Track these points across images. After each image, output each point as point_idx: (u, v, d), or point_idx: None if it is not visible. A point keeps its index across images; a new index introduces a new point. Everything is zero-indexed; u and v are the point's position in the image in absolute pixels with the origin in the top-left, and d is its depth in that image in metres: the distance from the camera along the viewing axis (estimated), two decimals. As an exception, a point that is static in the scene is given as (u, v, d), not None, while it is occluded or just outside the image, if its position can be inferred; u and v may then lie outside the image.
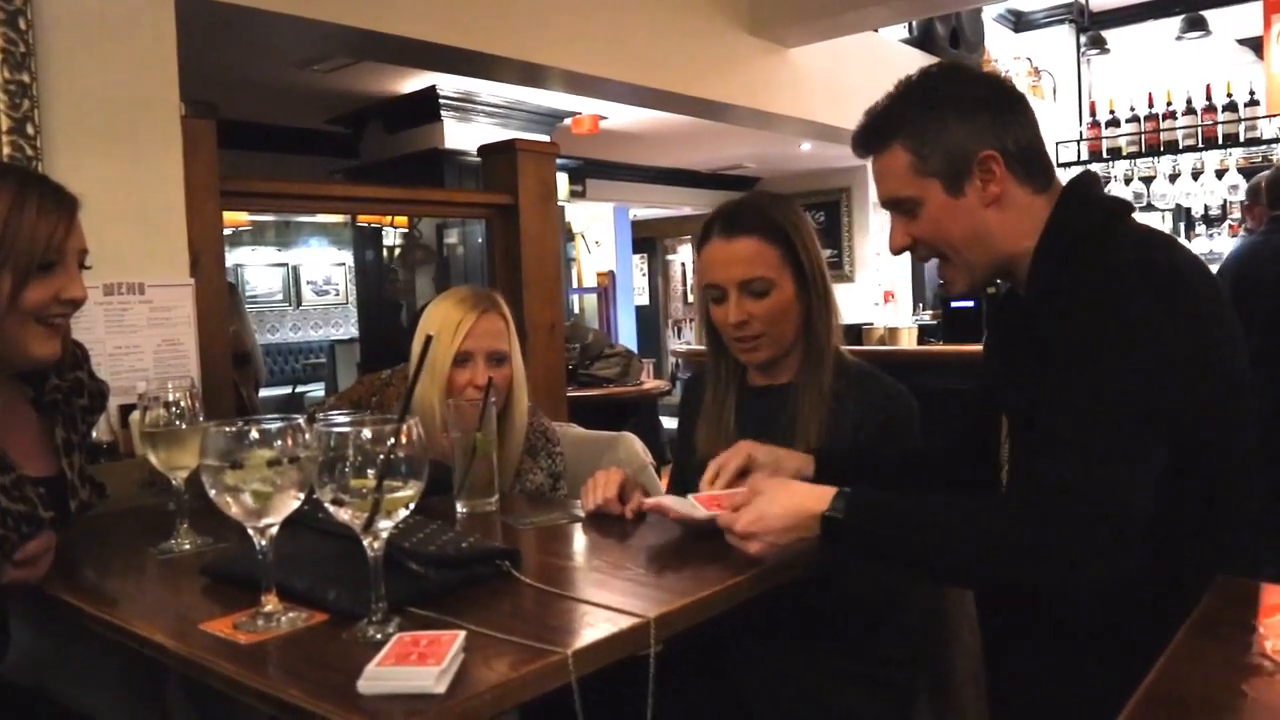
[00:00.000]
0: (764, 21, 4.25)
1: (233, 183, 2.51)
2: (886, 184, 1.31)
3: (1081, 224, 1.23)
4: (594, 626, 1.03)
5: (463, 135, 5.50)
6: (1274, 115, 5.48)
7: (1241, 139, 5.43)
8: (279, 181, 3.19)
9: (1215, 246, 5.75)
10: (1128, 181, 5.80)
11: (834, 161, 7.59)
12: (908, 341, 4.66)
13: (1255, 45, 6.52)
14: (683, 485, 1.72)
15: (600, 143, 6.69)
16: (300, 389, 9.47)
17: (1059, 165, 5.28)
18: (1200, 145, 5.53)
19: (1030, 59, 7.13)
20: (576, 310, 9.78)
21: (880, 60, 5.04)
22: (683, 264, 11.84)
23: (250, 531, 1.05)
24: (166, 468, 1.39)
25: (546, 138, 5.48)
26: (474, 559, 1.18)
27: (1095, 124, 5.98)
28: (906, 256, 1.36)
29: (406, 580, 1.09)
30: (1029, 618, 1.26)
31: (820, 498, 1.18)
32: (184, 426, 1.39)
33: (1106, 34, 7.14)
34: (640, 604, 1.08)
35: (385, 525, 0.99)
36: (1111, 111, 5.92)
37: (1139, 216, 1.34)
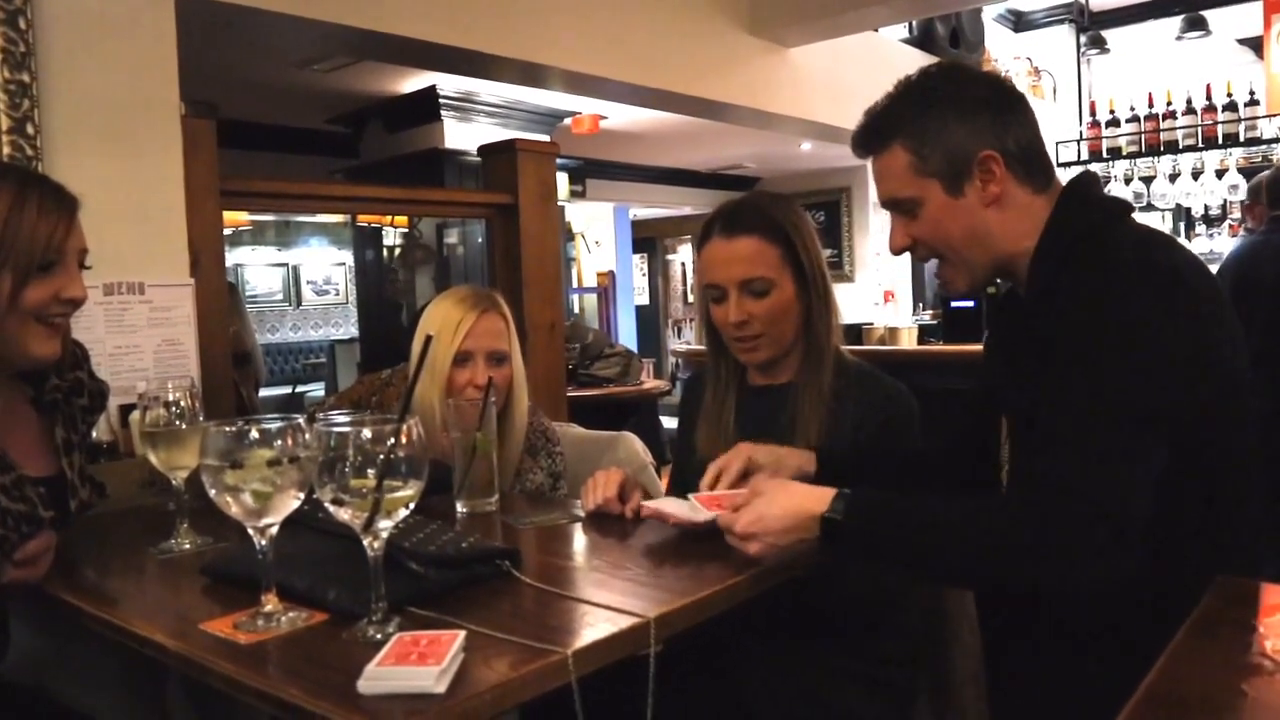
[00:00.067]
0: (764, 21, 4.25)
1: (233, 182, 2.51)
2: (886, 184, 1.31)
3: (1081, 224, 1.23)
4: (594, 626, 1.03)
5: (463, 135, 5.50)
6: (1274, 115, 5.48)
7: (1241, 139, 5.42)
8: (279, 181, 3.19)
9: (1215, 246, 5.75)
10: (1128, 181, 5.80)
11: (834, 161, 7.59)
12: (908, 341, 4.66)
13: (1255, 45, 6.51)
14: (682, 485, 1.72)
15: (600, 142, 6.69)
16: (300, 389, 9.47)
17: (1059, 165, 5.28)
18: (1200, 145, 5.53)
19: (1030, 59, 7.13)
20: (576, 310, 9.78)
21: (880, 60, 5.04)
22: (683, 264, 11.84)
23: (250, 531, 1.05)
24: (166, 467, 1.39)
25: (546, 137, 5.48)
26: (474, 559, 1.18)
27: (1095, 124, 5.98)
28: (906, 256, 1.36)
29: (406, 580, 1.09)
30: (1029, 618, 1.26)
31: (820, 499, 1.18)
32: (184, 426, 1.39)
33: (1106, 34, 7.14)
34: (640, 604, 1.08)
35: (385, 525, 0.99)
36: (1111, 111, 5.92)
37: (1139, 216, 1.34)
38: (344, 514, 0.98)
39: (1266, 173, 3.56)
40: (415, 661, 0.87)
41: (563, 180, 6.21)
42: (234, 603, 1.11)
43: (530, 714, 1.01)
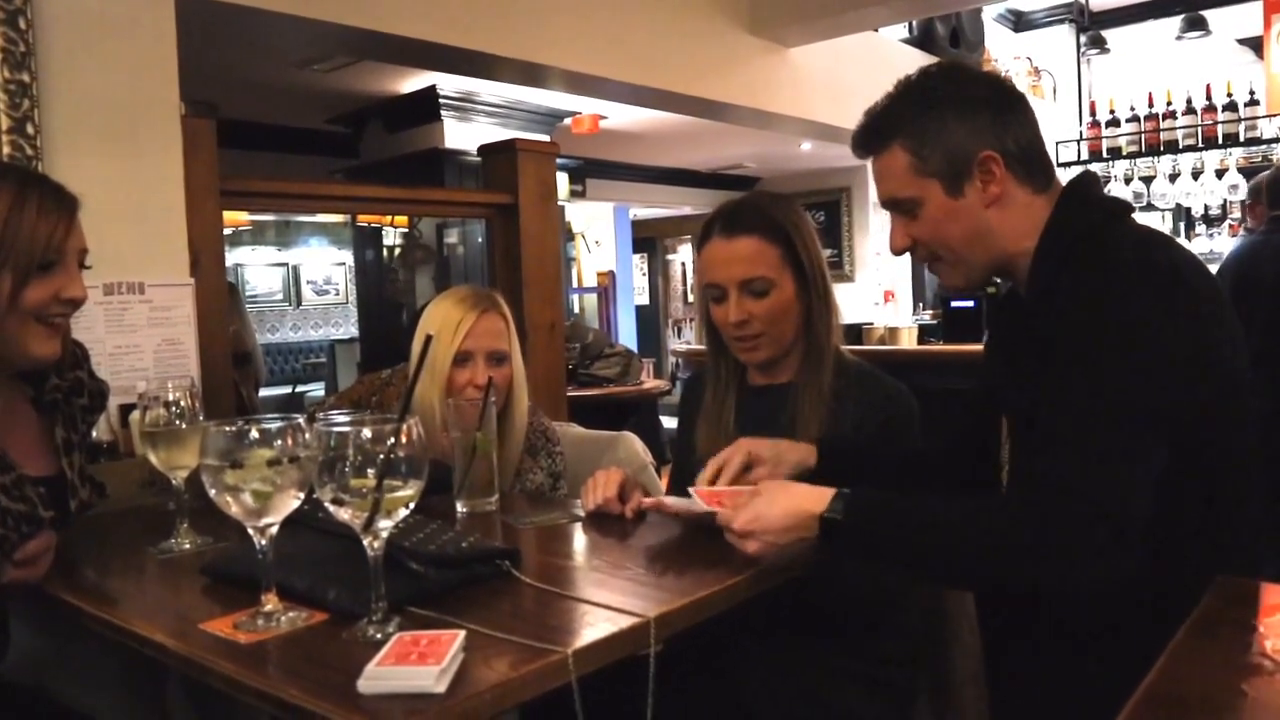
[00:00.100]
0: (764, 21, 4.25)
1: (233, 182, 2.51)
2: (886, 184, 1.31)
3: (1081, 224, 1.23)
4: (594, 626, 1.03)
5: (463, 135, 5.50)
6: (1274, 115, 5.48)
7: (1241, 139, 5.42)
8: (279, 181, 3.19)
9: (1215, 246, 5.75)
10: (1128, 181, 5.80)
11: (834, 161, 7.59)
12: (908, 341, 4.66)
13: (1255, 45, 6.52)
14: (682, 485, 1.72)
15: (600, 142, 6.69)
16: (300, 389, 9.48)
17: (1059, 165, 5.28)
18: (1200, 145, 5.53)
19: (1030, 59, 7.13)
20: (576, 310, 9.79)
21: (880, 60, 5.04)
22: (683, 264, 11.85)
23: (250, 531, 1.05)
24: (166, 467, 1.39)
25: (546, 137, 5.48)
26: (474, 558, 1.18)
27: (1095, 124, 5.98)
28: (906, 256, 1.36)
29: (406, 580, 1.09)
30: (1029, 618, 1.26)
31: (819, 499, 1.18)
32: (184, 426, 1.39)
33: (1106, 34, 7.14)
34: (640, 604, 1.08)
35: (385, 525, 0.99)
36: (1111, 111, 5.92)
37: (1139, 216, 1.34)
38: (344, 514, 0.98)
39: (1267, 173, 3.56)
40: (415, 661, 0.87)
41: (563, 180, 6.21)
42: (234, 602, 1.11)
43: (530, 714, 1.01)
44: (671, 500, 1.42)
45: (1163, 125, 5.63)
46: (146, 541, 1.43)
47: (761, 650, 1.49)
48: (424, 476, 1.01)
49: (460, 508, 1.58)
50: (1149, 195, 5.73)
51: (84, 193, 1.40)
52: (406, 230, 6.31)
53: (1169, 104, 5.65)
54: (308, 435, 1.03)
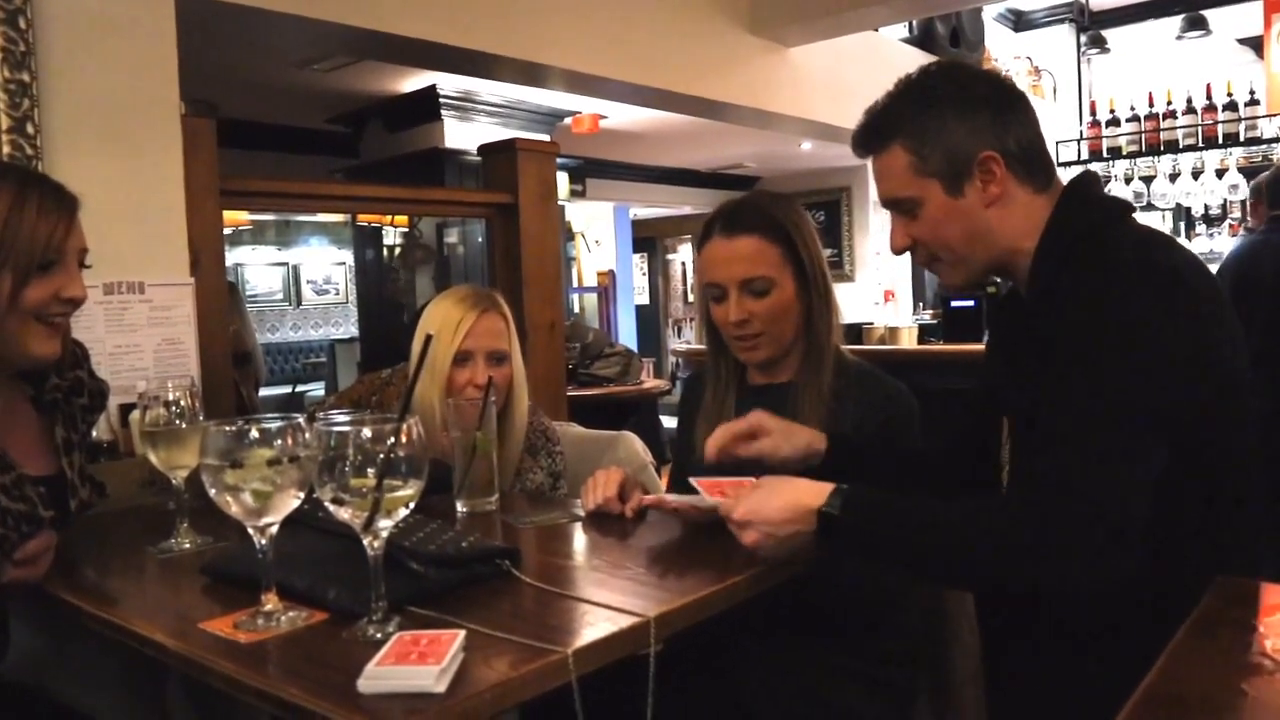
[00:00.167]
0: (764, 21, 4.25)
1: (233, 182, 2.51)
2: (886, 184, 1.31)
3: (1082, 224, 1.23)
4: (594, 626, 1.03)
5: (463, 134, 5.50)
6: (1274, 115, 5.48)
7: (1242, 138, 5.42)
8: (279, 181, 3.19)
9: (1215, 246, 5.75)
10: (1128, 181, 5.80)
11: (834, 161, 7.59)
12: (908, 341, 4.66)
13: (1255, 45, 6.52)
14: (682, 484, 1.72)
15: (600, 142, 6.68)
16: (300, 388, 9.48)
17: (1059, 165, 5.28)
18: (1200, 145, 5.53)
19: (1030, 58, 7.13)
20: (576, 310, 9.79)
21: (881, 60, 5.04)
22: (683, 263, 11.84)
23: (250, 531, 1.05)
24: (166, 467, 1.39)
25: (547, 137, 5.48)
26: (474, 558, 1.18)
27: (1095, 123, 5.98)
28: (907, 256, 1.36)
29: (406, 579, 1.09)
30: (1029, 618, 1.26)
31: (818, 493, 1.19)
32: (184, 426, 1.39)
33: (1107, 33, 7.14)
34: (640, 603, 1.08)
35: (385, 524, 0.99)
36: (1111, 111, 5.92)
37: (1139, 216, 1.34)
38: (344, 513, 0.98)
39: (1267, 173, 3.56)
40: (415, 661, 0.87)
41: (563, 180, 6.21)
42: (234, 602, 1.11)
43: (530, 713, 1.01)
44: (671, 497, 1.43)
45: (1163, 125, 5.63)
46: (146, 541, 1.43)
47: (761, 650, 1.49)
48: (424, 476, 1.01)
49: (460, 507, 1.58)
50: (1149, 195, 5.73)
51: (84, 192, 1.40)
52: (406, 230, 6.31)
53: (1169, 104, 5.65)
54: (308, 435, 1.03)
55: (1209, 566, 1.08)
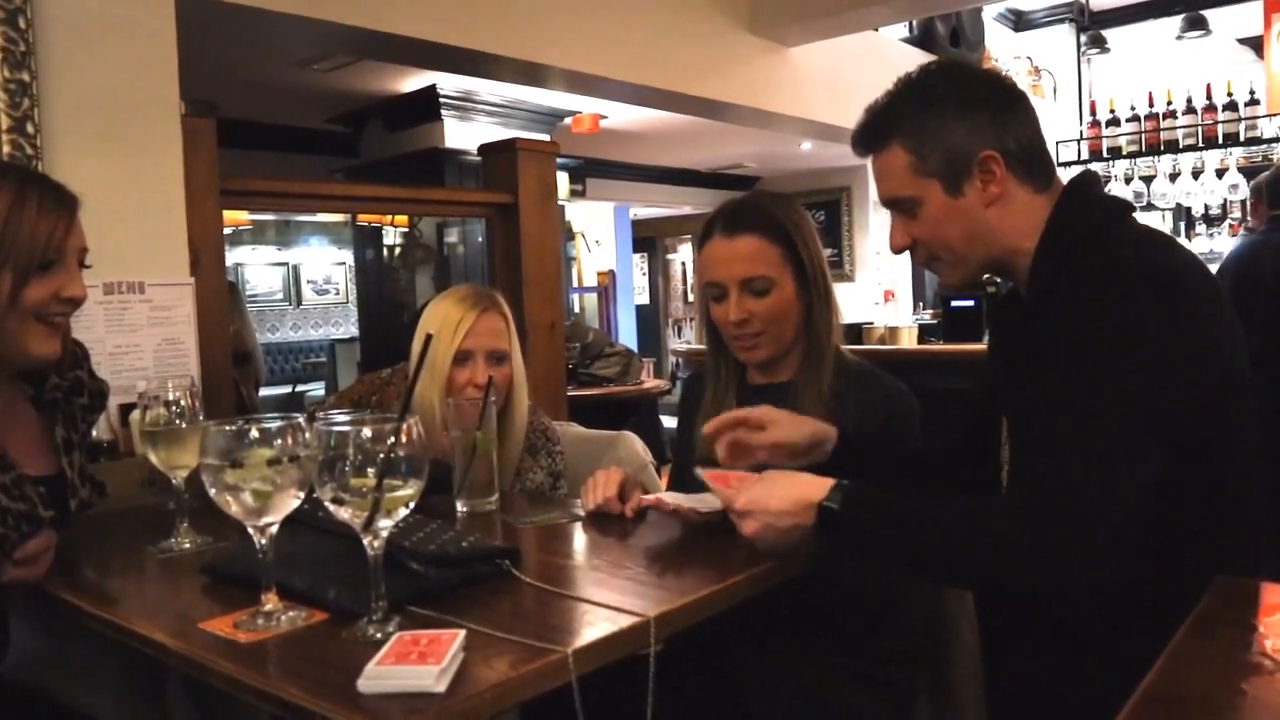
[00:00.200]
0: (764, 20, 4.25)
1: (233, 182, 2.51)
2: (886, 184, 1.31)
3: (1082, 223, 1.23)
4: (594, 625, 1.03)
5: (463, 134, 5.50)
6: (1274, 114, 5.48)
7: (1242, 138, 5.42)
8: (279, 180, 3.19)
9: (1215, 246, 5.75)
10: (1128, 181, 5.80)
11: (834, 161, 7.59)
12: (908, 341, 4.65)
13: (1255, 44, 6.52)
14: (682, 484, 1.72)
15: (600, 142, 6.68)
16: (300, 388, 9.48)
17: (1059, 165, 5.28)
18: (1200, 145, 5.52)
19: (1030, 58, 7.13)
20: (577, 309, 9.79)
21: (881, 59, 5.04)
22: (683, 263, 11.85)
23: (250, 530, 1.05)
24: (166, 467, 1.39)
25: (547, 137, 5.48)
26: (474, 558, 1.18)
27: (1095, 123, 5.98)
28: (906, 256, 1.36)
29: (406, 579, 1.09)
30: (1028, 618, 1.26)
31: (819, 488, 1.19)
32: (184, 425, 1.39)
33: (1107, 33, 7.14)
34: (640, 603, 1.08)
35: (385, 524, 0.99)
36: (1112, 111, 5.92)
37: (1139, 216, 1.34)
38: (344, 513, 0.98)
39: (1268, 172, 3.56)
40: (415, 661, 0.87)
41: (563, 179, 6.21)
42: (234, 602, 1.11)
43: (530, 713, 1.01)
44: (671, 497, 1.43)
45: (1163, 125, 5.62)
46: (146, 541, 1.43)
47: (761, 650, 1.49)
48: (424, 476, 1.01)
49: (460, 507, 1.58)
50: (1149, 195, 5.73)
51: (84, 192, 1.40)
52: (406, 230, 6.31)
53: (1169, 103, 5.65)
54: (308, 434, 1.03)
55: (1209, 566, 1.08)
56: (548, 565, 1.30)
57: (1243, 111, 5.44)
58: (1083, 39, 7.25)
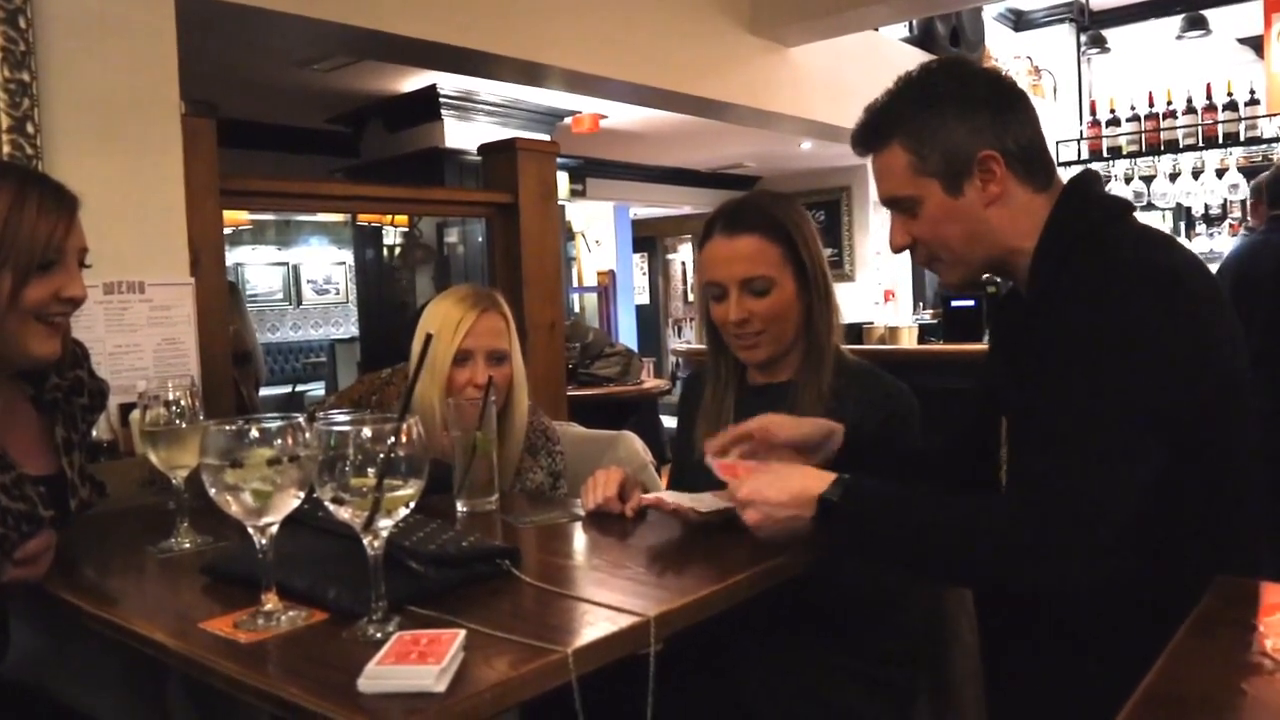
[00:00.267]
0: (764, 20, 4.25)
1: (233, 181, 2.51)
2: (886, 183, 1.31)
3: (1082, 223, 1.23)
4: (594, 625, 1.03)
5: (463, 134, 5.50)
6: (1274, 114, 5.48)
7: (1242, 138, 5.42)
8: (279, 180, 3.19)
9: (1215, 246, 5.75)
10: (1128, 180, 5.80)
11: (834, 160, 7.59)
12: (908, 341, 4.66)
13: (1255, 44, 6.52)
14: (682, 484, 1.72)
15: (600, 142, 6.68)
16: (300, 388, 9.48)
17: (1059, 165, 5.27)
18: (1200, 144, 5.53)
19: (1030, 58, 7.13)
20: (577, 309, 9.79)
21: (881, 59, 5.04)
22: (683, 263, 11.85)
23: (250, 530, 1.05)
24: (166, 466, 1.39)
25: (547, 136, 5.47)
26: (474, 558, 1.18)
27: (1095, 123, 5.98)
28: (906, 256, 1.36)
29: (406, 579, 1.09)
30: (1029, 618, 1.26)
31: (821, 480, 1.20)
32: (184, 425, 1.38)
33: (1107, 33, 7.14)
34: (640, 603, 1.08)
35: (385, 524, 0.99)
36: (1112, 110, 5.92)
37: (1139, 216, 1.33)
38: (344, 513, 0.98)
39: (1268, 172, 3.56)
40: (415, 660, 0.87)
41: (563, 179, 6.21)
42: (234, 602, 1.11)
43: (530, 713, 1.01)
44: (671, 497, 1.43)
45: (1163, 125, 5.62)
46: (146, 541, 1.43)
47: (761, 650, 1.49)
48: (424, 476, 1.01)
49: (460, 507, 1.58)
50: (1149, 195, 5.73)
51: (84, 192, 1.40)
52: (407, 229, 6.31)
53: (1169, 103, 5.65)
54: (308, 434, 1.03)
55: (1209, 566, 1.08)
56: (548, 565, 1.30)
57: (1243, 111, 5.44)
58: (1083, 39, 7.25)
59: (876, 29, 5.23)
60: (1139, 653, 0.89)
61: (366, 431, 0.97)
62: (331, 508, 0.98)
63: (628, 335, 9.76)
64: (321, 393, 8.58)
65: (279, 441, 1.02)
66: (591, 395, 4.91)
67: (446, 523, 1.32)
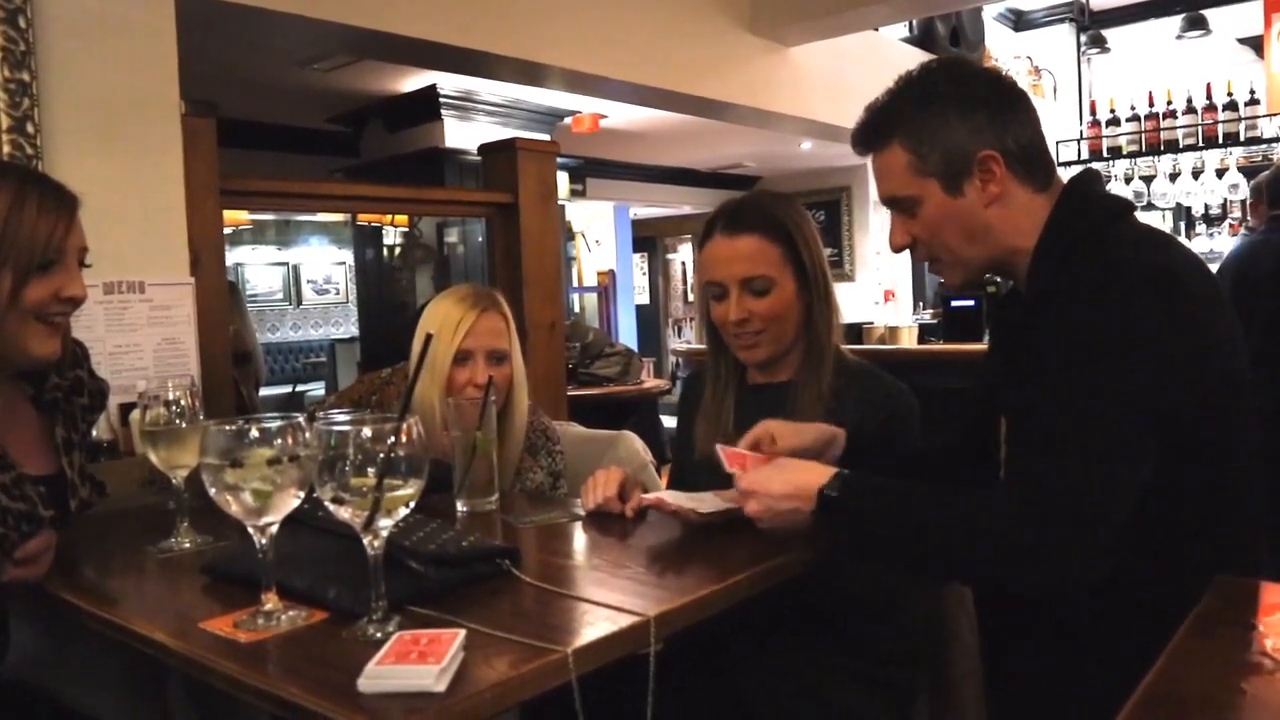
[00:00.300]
0: (764, 20, 4.25)
1: (233, 181, 2.51)
2: (885, 183, 1.31)
3: (1081, 223, 1.23)
4: (594, 625, 1.03)
5: (463, 134, 5.50)
6: (1274, 114, 5.48)
7: (1242, 138, 5.42)
8: (279, 180, 3.19)
9: (1215, 246, 5.75)
10: (1128, 180, 5.80)
11: (834, 160, 7.59)
12: (908, 340, 4.66)
13: (1255, 44, 6.52)
14: (682, 484, 1.72)
15: (600, 141, 6.68)
16: (300, 388, 9.49)
17: (1059, 164, 5.27)
18: (1200, 144, 5.53)
19: (1030, 58, 7.13)
20: (577, 309, 9.79)
21: (881, 59, 5.04)
22: (683, 263, 11.85)
23: (250, 530, 1.05)
24: (166, 466, 1.39)
25: (547, 136, 5.47)
26: (474, 557, 1.18)
27: (1095, 123, 5.98)
28: (906, 256, 1.36)
29: (406, 579, 1.09)
30: (1028, 618, 1.26)
31: (822, 474, 1.21)
32: (184, 425, 1.38)
33: (1107, 33, 7.14)
34: (640, 602, 1.08)
35: (385, 524, 0.99)
36: (1112, 110, 5.92)
37: (1139, 216, 1.33)
38: (344, 513, 0.98)
39: (1267, 172, 3.56)
40: (415, 660, 0.87)
41: (563, 179, 6.20)
42: (234, 601, 1.11)
43: (530, 713, 1.01)
44: (671, 496, 1.43)
45: (1163, 124, 5.62)
46: (146, 540, 1.43)
47: (761, 650, 1.49)
48: (424, 475, 1.01)
49: (460, 507, 1.58)
50: (1149, 194, 5.73)
51: (84, 192, 1.40)
52: (406, 229, 6.31)
53: (1169, 103, 5.65)
54: (308, 434, 1.03)
55: (1209, 566, 1.08)
56: (548, 565, 1.30)
57: (1243, 111, 5.44)
58: (1083, 39, 7.25)
59: (876, 29, 5.23)
60: (1139, 653, 0.90)
61: (366, 431, 0.97)
62: (331, 507, 0.98)
63: (628, 335, 9.76)
64: (321, 393, 8.58)
65: (279, 441, 1.02)
66: (591, 395, 4.91)
67: (446, 523, 1.32)
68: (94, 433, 1.67)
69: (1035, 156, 1.26)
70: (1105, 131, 5.88)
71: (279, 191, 2.95)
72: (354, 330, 9.45)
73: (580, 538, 1.46)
